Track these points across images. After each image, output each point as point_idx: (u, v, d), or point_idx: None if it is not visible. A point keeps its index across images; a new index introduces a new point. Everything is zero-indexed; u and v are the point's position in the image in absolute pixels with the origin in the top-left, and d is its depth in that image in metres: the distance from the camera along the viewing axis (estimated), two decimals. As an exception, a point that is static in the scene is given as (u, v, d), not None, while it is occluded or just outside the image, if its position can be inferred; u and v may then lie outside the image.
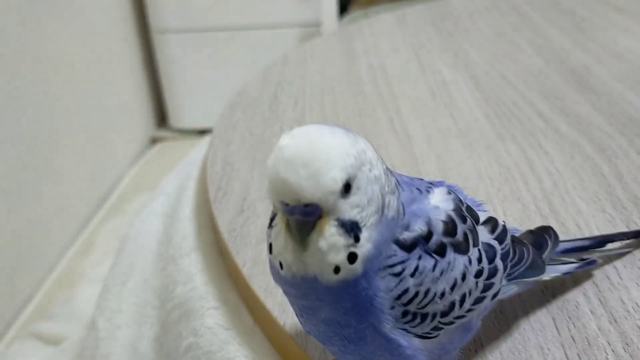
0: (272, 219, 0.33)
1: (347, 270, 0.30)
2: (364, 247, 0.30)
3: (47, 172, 1.48)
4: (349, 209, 0.29)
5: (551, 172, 0.61)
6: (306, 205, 0.28)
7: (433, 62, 0.92)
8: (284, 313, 0.46)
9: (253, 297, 0.49)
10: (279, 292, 0.48)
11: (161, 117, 2.19)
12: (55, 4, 1.53)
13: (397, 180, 0.33)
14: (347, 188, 0.29)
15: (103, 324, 0.68)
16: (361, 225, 0.29)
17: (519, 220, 0.55)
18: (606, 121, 0.70)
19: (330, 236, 0.29)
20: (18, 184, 1.36)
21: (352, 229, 0.29)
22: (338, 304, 0.31)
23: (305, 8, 1.92)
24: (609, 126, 0.69)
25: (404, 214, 0.32)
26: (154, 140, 2.11)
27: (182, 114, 2.10)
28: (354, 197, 0.29)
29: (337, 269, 0.30)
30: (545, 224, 0.48)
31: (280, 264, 0.31)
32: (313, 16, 1.91)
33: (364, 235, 0.30)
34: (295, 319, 0.44)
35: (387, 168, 0.32)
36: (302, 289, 0.31)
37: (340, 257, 0.29)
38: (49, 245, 1.49)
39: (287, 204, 0.28)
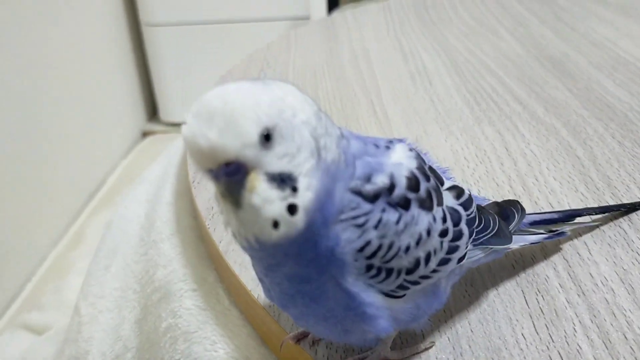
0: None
1: (287, 223, 0.28)
2: (304, 197, 0.29)
3: (39, 165, 1.49)
4: (276, 161, 0.28)
5: (526, 154, 0.62)
6: (227, 165, 0.27)
7: (415, 49, 0.93)
8: (258, 287, 0.46)
9: (228, 272, 0.50)
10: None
11: (152, 111, 2.20)
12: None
13: (341, 132, 0.33)
14: (267, 138, 0.27)
15: (86, 309, 0.69)
16: (296, 174, 0.28)
17: (493, 199, 0.55)
18: (582, 106, 0.71)
19: (262, 191, 0.28)
20: (10, 176, 1.36)
21: (284, 181, 0.28)
22: (299, 256, 0.31)
23: (294, 2, 1.92)
24: (585, 111, 0.69)
25: (353, 163, 0.32)
26: (145, 134, 2.12)
27: (173, 107, 2.10)
28: (280, 147, 0.28)
29: (275, 224, 0.28)
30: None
31: (235, 235, 0.31)
32: (302, 10, 1.92)
33: (302, 184, 0.28)
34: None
35: (320, 110, 0.31)
36: (264, 250, 0.31)
37: (277, 210, 0.28)
38: (39, 238, 1.49)
39: (211, 170, 0.28)
